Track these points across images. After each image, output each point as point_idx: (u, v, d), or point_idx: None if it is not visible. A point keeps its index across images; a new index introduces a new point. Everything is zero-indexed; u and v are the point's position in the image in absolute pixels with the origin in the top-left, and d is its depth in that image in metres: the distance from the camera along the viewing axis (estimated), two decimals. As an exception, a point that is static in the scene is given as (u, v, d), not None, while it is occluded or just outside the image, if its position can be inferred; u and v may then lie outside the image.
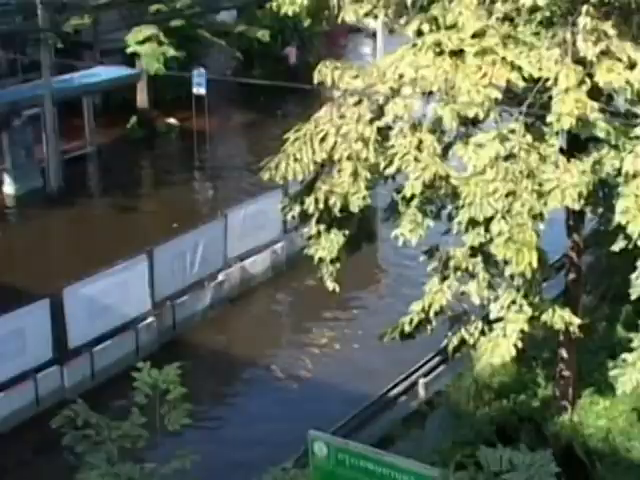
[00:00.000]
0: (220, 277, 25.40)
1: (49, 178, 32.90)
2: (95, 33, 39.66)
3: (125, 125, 38.76)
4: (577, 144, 13.91)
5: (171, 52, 36.63)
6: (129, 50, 37.25)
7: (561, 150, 13.45)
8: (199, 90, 35.53)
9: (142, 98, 39.79)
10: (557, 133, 13.17)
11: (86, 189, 34.84)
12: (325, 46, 49.07)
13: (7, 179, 32.44)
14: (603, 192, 14.52)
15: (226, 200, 29.57)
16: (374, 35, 46.39)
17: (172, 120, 39.64)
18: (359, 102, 13.39)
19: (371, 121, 13.09)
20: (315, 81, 13.94)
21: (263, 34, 41.87)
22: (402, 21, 14.34)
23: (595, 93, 12.97)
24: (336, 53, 50.31)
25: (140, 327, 22.98)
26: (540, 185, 12.48)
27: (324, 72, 13.89)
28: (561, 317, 13.80)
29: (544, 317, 13.74)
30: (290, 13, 14.44)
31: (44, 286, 22.11)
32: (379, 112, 13.15)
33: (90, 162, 36.35)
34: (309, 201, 13.69)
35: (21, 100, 32.88)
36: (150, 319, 23.26)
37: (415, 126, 12.87)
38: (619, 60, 12.77)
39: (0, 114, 32.16)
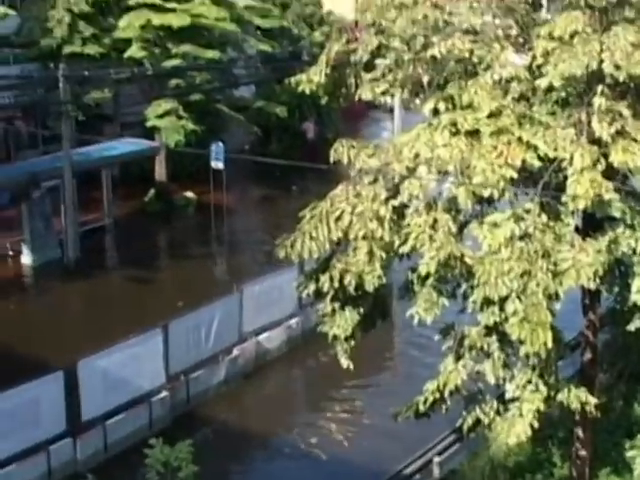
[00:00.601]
0: (235, 352, 25.41)
1: (67, 249, 33.18)
2: (116, 106, 40.35)
3: (143, 197, 39.16)
4: (593, 223, 13.94)
5: (190, 126, 37.11)
6: (149, 123, 37.77)
7: (576, 229, 13.49)
8: (217, 164, 35.92)
9: (160, 171, 40.23)
10: (572, 212, 13.22)
11: (103, 261, 35.07)
12: (343, 121, 49.60)
13: (25, 250, 32.76)
14: (619, 271, 14.51)
15: (242, 275, 29.66)
16: (392, 110, 46.84)
17: (190, 193, 40.01)
18: (375, 181, 13.51)
19: (386, 200, 13.18)
20: (331, 159, 14.09)
21: (281, 110, 42.46)
22: (418, 100, 14.50)
23: (610, 172, 13.03)
24: (354, 128, 50.97)
25: (154, 401, 22.96)
26: (555, 264, 12.48)
27: (340, 151, 14.04)
28: (577, 396, 13.70)
29: (560, 396, 13.64)
30: (307, 91, 14.67)
31: (59, 358, 22.17)
32: (395, 191, 13.25)
33: (108, 234, 36.65)
34: (324, 279, 13.74)
35: (41, 172, 33.35)
36: (164, 393, 23.24)
37: (430, 205, 12.95)
38: (634, 140, 12.85)
39: (20, 185, 32.59)
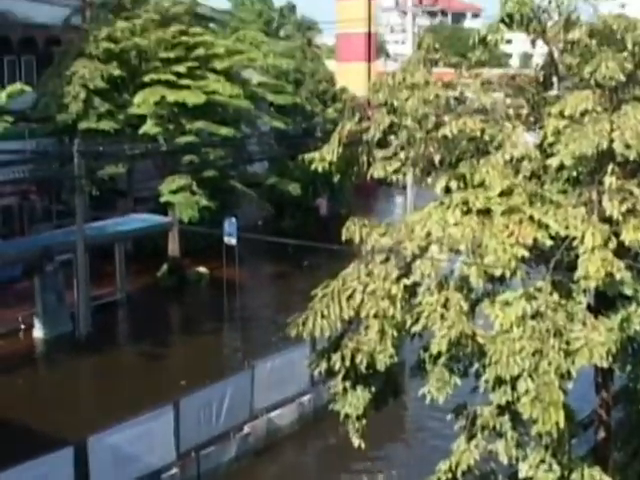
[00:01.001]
0: (246, 429, 25.28)
1: (78, 324, 33.29)
2: (129, 181, 40.77)
3: (156, 272, 39.35)
4: (605, 301, 13.96)
5: (203, 202, 37.43)
6: (162, 199, 38.11)
7: (589, 307, 13.53)
8: (230, 240, 36.12)
9: (173, 246, 40.49)
10: (584, 291, 13.27)
11: (115, 336, 35.11)
12: (356, 197, 49.95)
13: (37, 323, 32.86)
14: (632, 349, 14.50)
15: (254, 351, 29.64)
16: (404, 187, 47.16)
17: (202, 269, 40.20)
18: (386, 260, 13.64)
19: (398, 279, 13.29)
20: (343, 238, 14.24)
21: (294, 187, 42.87)
22: (430, 179, 14.68)
23: (622, 251, 13.11)
24: (367, 204, 51.33)
25: (164, 477, 22.82)
26: (567, 343, 12.50)
27: (352, 230, 14.20)
28: (591, 475, 13.61)
29: (574, 476, 13.56)
30: (320, 169, 14.88)
31: (69, 433, 22.10)
32: (406, 270, 13.37)
33: (120, 309, 36.75)
34: (335, 358, 13.79)
35: (54, 245, 33.59)
36: (174, 470, 23.10)
37: (442, 284, 13.05)
38: (645, 218, 12.95)
39: (33, 259, 32.84)
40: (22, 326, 33.19)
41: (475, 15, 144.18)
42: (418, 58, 15.48)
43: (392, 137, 15.21)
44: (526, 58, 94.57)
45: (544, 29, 16.08)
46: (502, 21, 15.20)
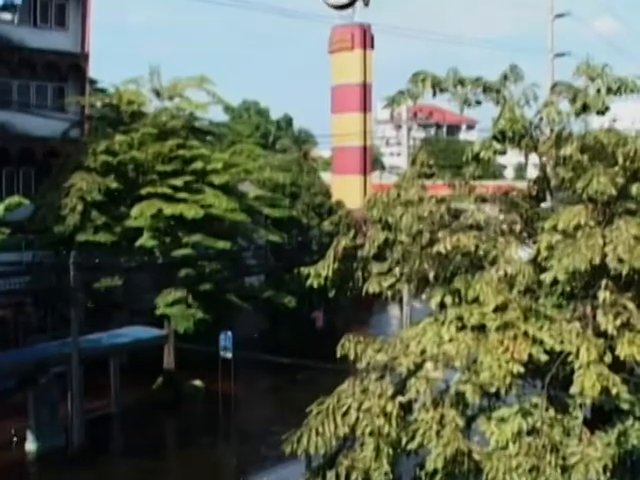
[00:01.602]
0: None
1: (72, 437, 33.00)
2: (125, 294, 40.82)
3: (151, 385, 39.14)
4: (601, 415, 13.97)
5: (199, 315, 37.49)
6: (158, 311, 38.15)
7: (585, 421, 13.52)
8: (226, 354, 36.05)
9: (169, 359, 40.38)
10: (581, 405, 13.29)
11: (108, 449, 34.73)
12: (352, 309, 49.95)
13: (30, 436, 32.55)
14: (630, 463, 14.45)
15: (249, 467, 29.32)
16: (401, 300, 47.26)
17: (198, 382, 40.01)
18: (381, 377, 13.68)
19: (393, 396, 13.31)
20: (338, 355, 14.31)
21: (290, 300, 42.95)
22: (425, 294, 14.83)
23: (617, 365, 13.17)
24: (363, 317, 51.26)
25: None
26: (564, 459, 12.50)
27: (347, 346, 14.30)
28: None
29: None
30: (315, 285, 15.03)
31: None
32: (401, 387, 13.41)
33: (114, 422, 36.44)
34: (330, 475, 13.74)
35: (48, 358, 33.50)
36: None
37: (437, 401, 13.08)
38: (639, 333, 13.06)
39: (27, 371, 32.72)
40: (15, 439, 32.87)
41: (470, 127, 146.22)
42: (412, 174, 15.80)
43: (387, 252, 15.43)
44: (521, 169, 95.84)
45: (536, 145, 16.44)
46: (494, 138, 15.58)
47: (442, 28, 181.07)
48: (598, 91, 16.02)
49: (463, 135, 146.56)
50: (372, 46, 67.93)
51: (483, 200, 16.13)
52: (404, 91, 15.85)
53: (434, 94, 15.75)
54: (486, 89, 15.84)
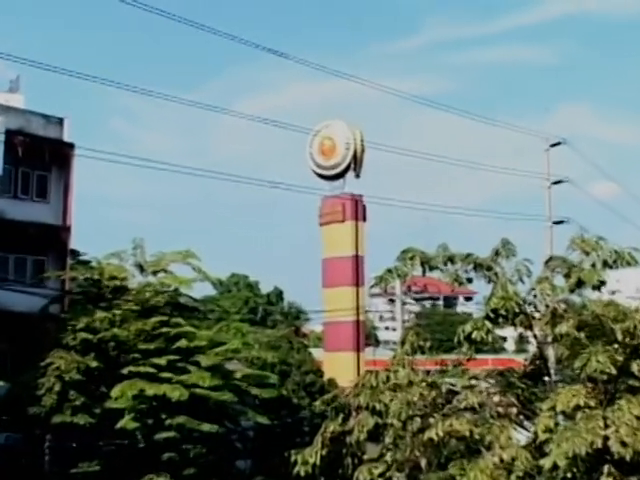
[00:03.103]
0: None
1: None
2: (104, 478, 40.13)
3: None
4: None
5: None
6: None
7: None
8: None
9: None
10: None
11: None
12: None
13: None
14: None
15: None
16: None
17: None
18: None
19: None
20: None
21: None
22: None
23: None
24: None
25: None
26: None
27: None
28: None
29: None
30: (302, 473, 14.94)
31: None
32: None
33: None
34: None
35: None
36: None
37: None
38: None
39: None
40: None
41: (468, 298, 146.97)
42: (401, 356, 15.94)
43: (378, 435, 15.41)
44: (522, 341, 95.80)
45: (531, 323, 16.65)
46: (487, 317, 15.79)
47: (436, 191, 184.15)
48: (593, 265, 16.35)
49: (461, 307, 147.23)
50: (364, 217, 69.13)
51: (477, 380, 16.22)
52: (392, 269, 16.17)
53: (424, 272, 16.10)
54: (477, 266, 16.20)
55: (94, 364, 38.58)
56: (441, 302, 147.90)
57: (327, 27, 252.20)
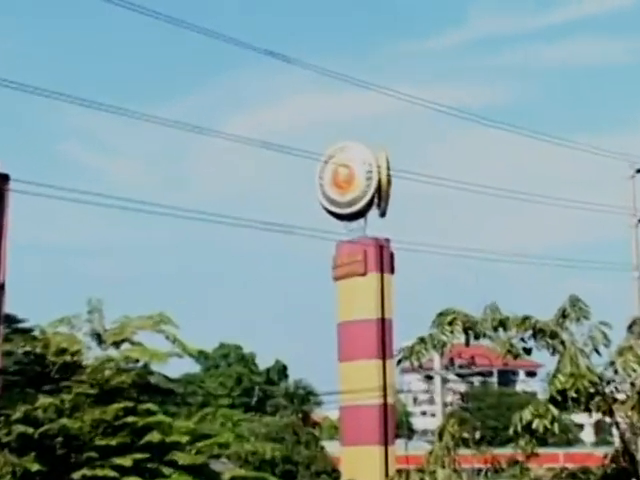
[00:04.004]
0: None
1: None
2: None
3: None
4: None
5: None
6: None
7: None
8: None
9: None
10: None
11: None
12: None
13: None
14: None
15: None
16: None
17: None
18: None
19: None
20: None
21: None
22: None
23: None
24: None
25: None
26: None
27: None
28: None
29: None
30: None
31: None
32: None
33: None
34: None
35: None
36: None
37: None
38: None
39: None
40: None
41: (530, 373, 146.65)
42: (440, 452, 15.78)
43: None
44: (603, 429, 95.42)
45: (611, 407, 16.44)
46: (552, 400, 15.60)
47: (485, 233, 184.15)
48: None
49: (521, 386, 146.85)
50: (392, 269, 68.37)
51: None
52: (427, 338, 15.95)
53: (467, 341, 15.87)
54: (538, 332, 15.96)
55: (35, 467, 38.30)
56: (495, 379, 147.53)
57: (338, 23, 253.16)
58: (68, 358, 42.67)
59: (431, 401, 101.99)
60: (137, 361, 43.44)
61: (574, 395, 15.51)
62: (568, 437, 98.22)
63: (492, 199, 43.26)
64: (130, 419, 40.37)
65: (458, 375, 71.04)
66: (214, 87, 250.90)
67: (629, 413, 16.32)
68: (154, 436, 40.15)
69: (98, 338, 43.71)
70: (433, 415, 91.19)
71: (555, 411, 15.27)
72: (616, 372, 16.11)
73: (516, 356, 16.17)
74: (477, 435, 17.45)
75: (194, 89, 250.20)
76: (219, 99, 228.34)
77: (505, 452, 19.41)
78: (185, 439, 41.09)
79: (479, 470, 17.56)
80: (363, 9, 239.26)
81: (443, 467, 15.54)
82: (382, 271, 68.02)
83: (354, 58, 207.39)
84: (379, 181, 66.94)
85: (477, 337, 16.08)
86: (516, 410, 16.98)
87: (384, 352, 67.31)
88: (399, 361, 17.10)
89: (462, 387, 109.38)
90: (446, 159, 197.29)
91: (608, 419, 17.07)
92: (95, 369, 42.69)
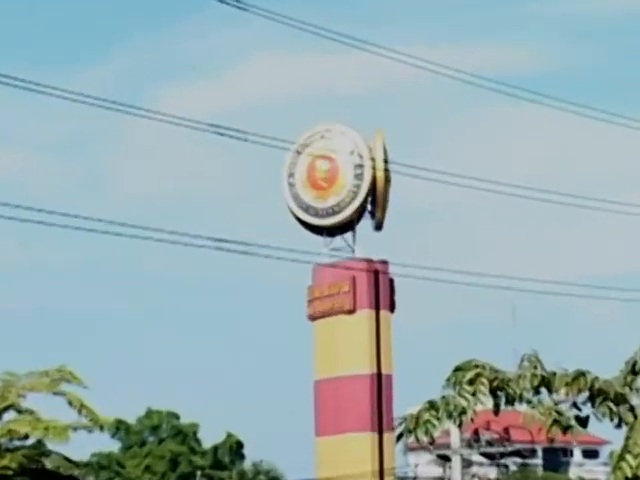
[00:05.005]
0: None
1: None
2: None
3: None
4: None
5: None
6: None
7: None
8: None
9: None
10: None
11: None
12: None
13: None
14: None
15: None
16: None
17: None
18: None
19: None
20: None
21: None
22: None
23: None
24: None
25: None
26: None
27: None
28: None
29: None
30: None
31: None
32: None
33: None
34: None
35: None
36: None
37: None
38: None
39: None
40: None
41: (589, 453, 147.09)
42: None
43: None
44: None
45: None
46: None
47: (516, 255, 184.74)
48: None
49: (576, 470, 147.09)
50: (391, 303, 67.97)
51: None
52: (439, 403, 15.82)
53: (497, 408, 15.73)
54: (597, 395, 15.89)
55: None
56: (539, 460, 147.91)
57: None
58: None
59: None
60: (26, 437, 43.39)
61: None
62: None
63: (536, 204, 42.83)
64: None
65: (485, 455, 71.23)
66: (140, 50, 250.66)
67: None
68: None
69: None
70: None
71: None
72: None
73: (566, 428, 16.09)
74: None
75: (112, 53, 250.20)
76: (147, 65, 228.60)
77: None
78: None
79: None
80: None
81: None
82: (377, 307, 67.71)
83: (338, 5, 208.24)
84: (373, 179, 66.15)
85: (511, 402, 16.02)
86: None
87: (380, 422, 67.33)
88: (400, 435, 17.15)
89: (492, 472, 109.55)
90: (465, 146, 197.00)
91: None
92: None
